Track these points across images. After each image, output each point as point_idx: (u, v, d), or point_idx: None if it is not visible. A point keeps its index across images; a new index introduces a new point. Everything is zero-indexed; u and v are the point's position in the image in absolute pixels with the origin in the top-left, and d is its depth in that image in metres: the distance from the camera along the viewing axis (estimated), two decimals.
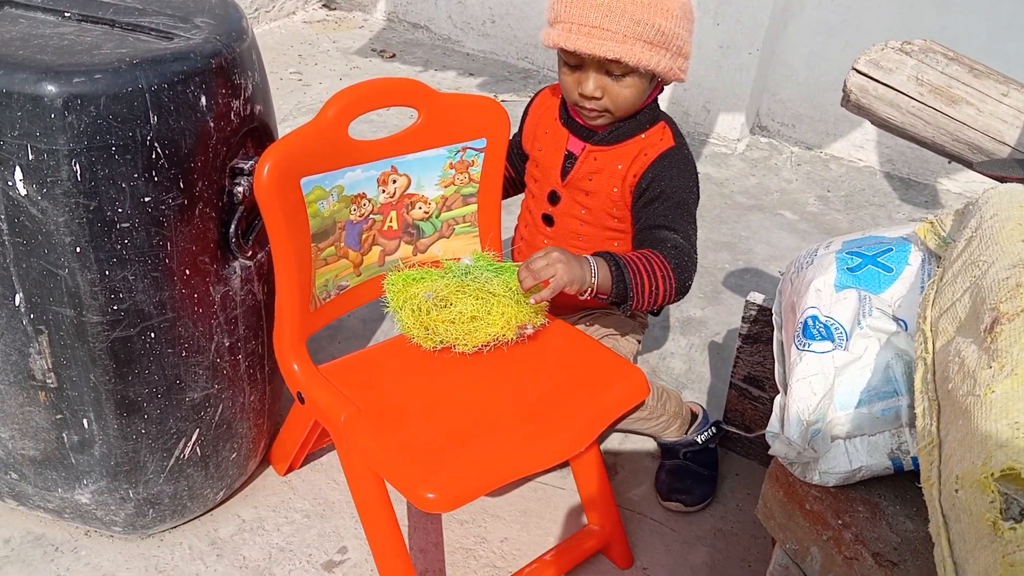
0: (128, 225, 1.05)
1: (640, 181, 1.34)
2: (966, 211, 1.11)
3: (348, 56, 3.36)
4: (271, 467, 1.50)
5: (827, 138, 2.99)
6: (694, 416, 1.60)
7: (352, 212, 1.28)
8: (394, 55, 3.42)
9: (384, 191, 1.31)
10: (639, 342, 1.55)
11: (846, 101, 1.34)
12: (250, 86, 1.16)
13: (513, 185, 1.57)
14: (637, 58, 1.22)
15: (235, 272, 1.21)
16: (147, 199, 1.05)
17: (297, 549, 1.38)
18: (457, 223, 1.43)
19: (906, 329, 1.08)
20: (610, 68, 1.26)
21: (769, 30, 2.80)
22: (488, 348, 1.28)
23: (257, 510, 1.43)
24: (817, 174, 2.87)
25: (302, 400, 1.25)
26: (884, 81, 1.28)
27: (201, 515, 1.40)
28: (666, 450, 1.59)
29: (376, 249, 1.35)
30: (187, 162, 1.07)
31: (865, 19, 2.73)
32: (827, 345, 1.08)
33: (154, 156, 1.03)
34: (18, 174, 0.99)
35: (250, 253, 1.22)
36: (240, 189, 1.17)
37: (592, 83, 1.28)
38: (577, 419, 1.23)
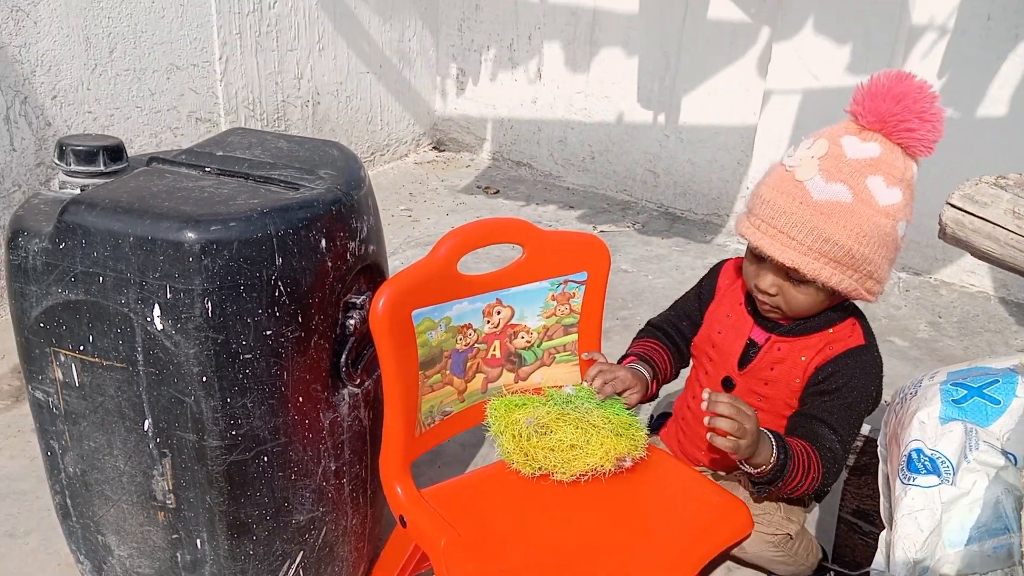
0: (250, 356, 1.13)
1: (819, 372, 1.31)
2: None
3: (455, 193, 3.56)
4: None
5: (936, 263, 2.93)
6: None
7: (458, 341, 1.35)
8: (498, 191, 3.60)
9: (489, 322, 1.38)
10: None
11: (942, 234, 1.34)
12: (365, 228, 1.27)
13: (675, 357, 1.50)
14: (816, 273, 1.21)
15: (344, 399, 1.28)
16: (268, 332, 1.14)
17: None
18: (558, 352, 1.47)
19: (1015, 463, 1.04)
20: (790, 271, 1.24)
21: None
22: (586, 478, 1.29)
23: None
24: (927, 300, 2.80)
25: (404, 524, 1.28)
26: (980, 215, 1.28)
27: None
28: None
29: (480, 376, 1.40)
30: (306, 298, 1.16)
31: (969, 146, 2.71)
32: (933, 479, 1.05)
33: (277, 293, 1.13)
34: (156, 311, 1.10)
35: (358, 381, 1.30)
36: (352, 322, 1.25)
37: (769, 281, 1.27)
38: (678, 553, 1.21)
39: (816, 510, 1.78)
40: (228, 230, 1.08)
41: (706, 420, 1.17)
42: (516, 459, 1.31)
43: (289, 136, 1.43)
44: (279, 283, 1.12)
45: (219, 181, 1.24)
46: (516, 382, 1.45)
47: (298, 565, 1.30)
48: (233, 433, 1.16)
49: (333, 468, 1.29)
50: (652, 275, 2.88)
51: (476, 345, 1.38)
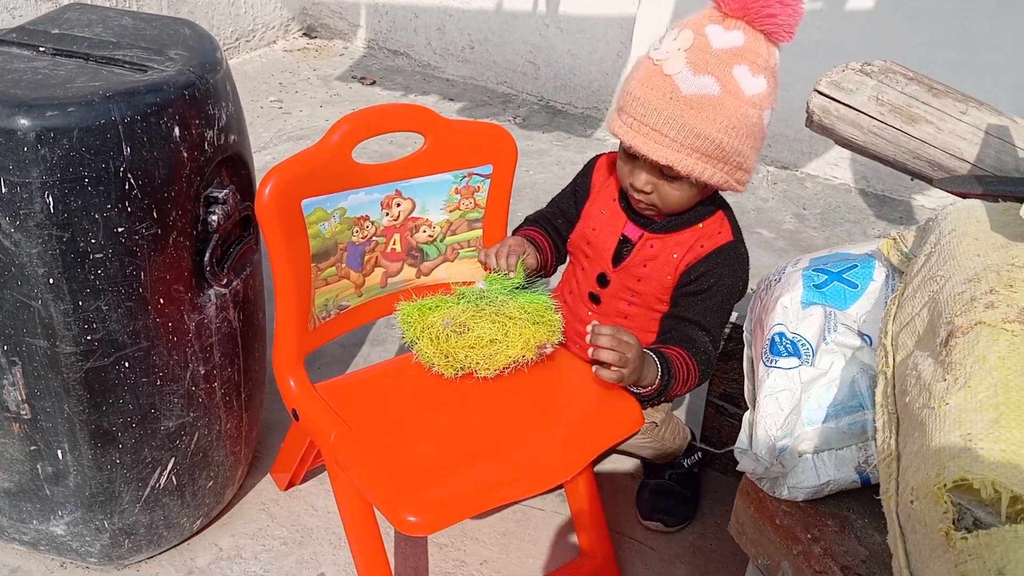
0: (101, 255, 1.05)
1: (690, 271, 1.33)
2: (926, 227, 1.13)
3: (329, 83, 3.39)
4: (248, 495, 1.50)
5: (802, 157, 3.03)
6: None
7: (354, 234, 1.29)
8: (374, 81, 3.45)
9: (388, 214, 1.33)
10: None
11: (809, 122, 1.37)
12: (224, 116, 1.18)
13: (554, 250, 1.47)
14: (689, 168, 1.20)
15: (210, 300, 1.22)
16: (120, 229, 1.06)
17: None
18: (462, 247, 1.44)
19: (871, 344, 1.10)
20: (663, 169, 1.23)
21: None
22: (509, 370, 1.28)
23: (235, 538, 1.43)
24: (793, 192, 2.91)
25: (297, 417, 1.26)
26: (845, 101, 1.31)
27: (178, 544, 1.39)
28: (650, 469, 1.59)
29: (378, 271, 1.36)
30: (161, 192, 1.09)
31: (837, 39, 2.78)
32: (794, 361, 1.10)
33: (127, 187, 1.04)
34: None
35: (225, 281, 1.23)
36: (215, 218, 1.18)
37: (644, 179, 1.26)
38: (567, 447, 1.22)
39: (686, 396, 1.86)
40: (67, 116, 0.99)
41: (590, 352, 1.19)
42: (437, 362, 1.27)
43: (134, 13, 1.30)
44: (128, 175, 1.04)
45: (55, 62, 1.12)
46: (418, 277, 1.41)
47: (170, 472, 1.26)
48: (88, 338, 1.09)
49: (202, 372, 1.24)
50: (533, 170, 2.86)
51: (374, 238, 1.33)
